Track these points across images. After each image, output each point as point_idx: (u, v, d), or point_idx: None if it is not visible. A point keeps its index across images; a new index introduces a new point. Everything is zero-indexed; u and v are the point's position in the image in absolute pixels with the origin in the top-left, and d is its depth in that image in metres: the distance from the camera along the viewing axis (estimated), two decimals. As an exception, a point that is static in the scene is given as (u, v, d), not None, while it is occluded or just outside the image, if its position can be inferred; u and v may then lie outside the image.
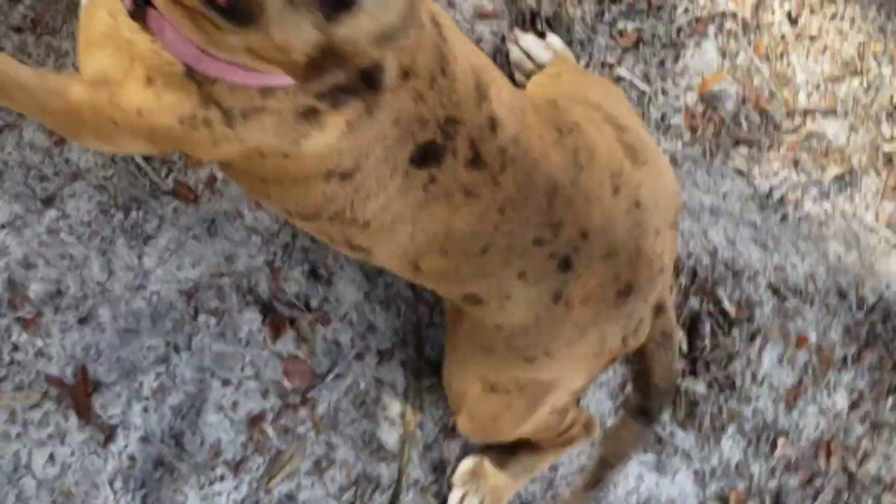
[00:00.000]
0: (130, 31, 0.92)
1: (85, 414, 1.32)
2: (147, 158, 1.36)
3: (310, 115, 0.94)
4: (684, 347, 1.56)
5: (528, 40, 1.50)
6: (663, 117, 1.60)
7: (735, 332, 1.59)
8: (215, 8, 0.77)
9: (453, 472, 1.48)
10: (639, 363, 1.29)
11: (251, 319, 1.41)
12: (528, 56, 1.49)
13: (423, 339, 1.49)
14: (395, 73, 0.97)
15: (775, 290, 1.62)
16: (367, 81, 0.79)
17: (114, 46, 0.94)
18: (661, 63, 1.61)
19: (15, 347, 1.30)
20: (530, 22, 1.54)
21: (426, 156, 1.00)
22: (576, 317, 1.13)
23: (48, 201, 1.31)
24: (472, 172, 1.02)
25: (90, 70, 0.98)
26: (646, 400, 1.28)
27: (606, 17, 1.58)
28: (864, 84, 1.71)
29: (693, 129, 1.59)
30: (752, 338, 1.60)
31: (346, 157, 0.99)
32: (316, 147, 0.98)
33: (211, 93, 0.92)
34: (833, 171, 1.67)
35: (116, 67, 0.95)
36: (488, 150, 1.02)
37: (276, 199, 1.12)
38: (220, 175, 1.38)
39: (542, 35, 1.53)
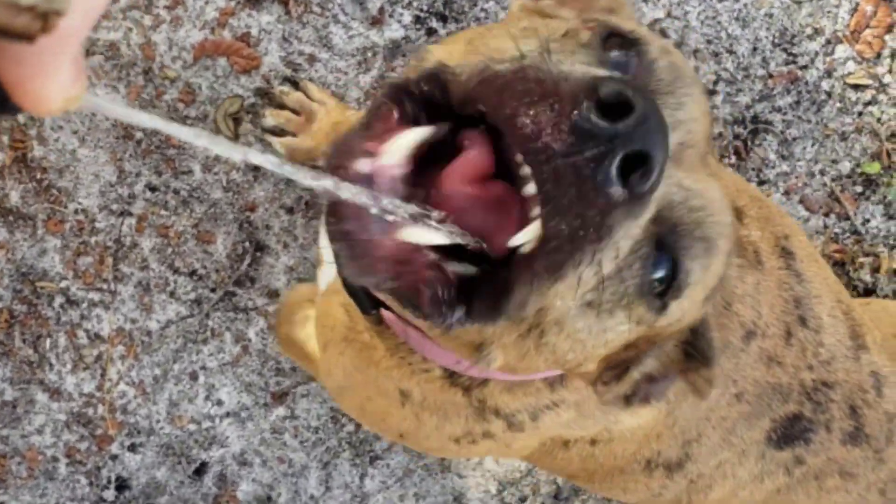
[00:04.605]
0: (370, 333, 0.71)
1: None
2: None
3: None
4: None
5: None
6: None
7: None
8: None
9: None
10: None
11: (467, 571, 1.20)
12: None
13: None
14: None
15: None
16: (691, 355, 0.57)
17: (354, 350, 0.74)
18: None
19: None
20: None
21: (790, 433, 0.79)
22: None
23: (279, 398, 1.17)
24: (851, 450, 0.80)
25: (335, 377, 0.78)
26: None
27: None
28: None
29: None
30: None
31: (668, 445, 0.79)
32: (627, 433, 0.78)
33: (484, 399, 0.71)
34: None
35: (362, 380, 0.74)
36: (872, 419, 0.80)
37: (589, 487, 0.92)
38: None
39: None
